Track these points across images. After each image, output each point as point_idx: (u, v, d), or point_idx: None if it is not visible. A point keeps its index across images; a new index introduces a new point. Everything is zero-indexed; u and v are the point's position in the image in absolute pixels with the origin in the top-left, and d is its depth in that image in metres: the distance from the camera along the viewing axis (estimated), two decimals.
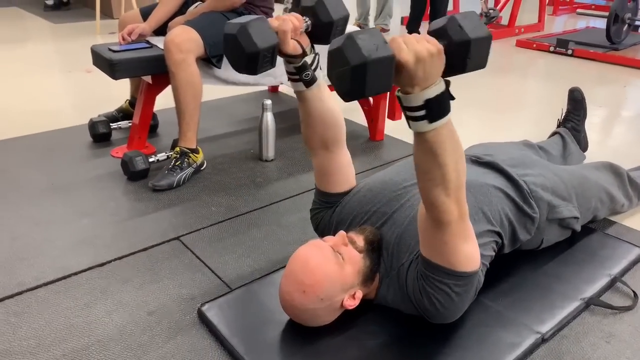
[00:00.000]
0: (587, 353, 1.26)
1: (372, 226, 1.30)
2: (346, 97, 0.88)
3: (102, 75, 2.16)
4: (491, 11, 4.80)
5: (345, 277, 1.17)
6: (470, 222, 1.10)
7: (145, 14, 2.27)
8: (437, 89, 0.91)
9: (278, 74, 2.38)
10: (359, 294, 1.22)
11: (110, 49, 2.09)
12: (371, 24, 5.10)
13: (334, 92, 0.94)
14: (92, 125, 2.41)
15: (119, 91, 2.72)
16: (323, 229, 1.43)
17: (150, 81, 2.17)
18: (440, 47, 0.89)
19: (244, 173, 2.18)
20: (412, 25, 4.39)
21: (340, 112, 1.32)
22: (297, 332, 1.25)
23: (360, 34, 0.84)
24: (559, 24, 5.93)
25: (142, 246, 1.66)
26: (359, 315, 1.26)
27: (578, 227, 1.57)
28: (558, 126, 2.18)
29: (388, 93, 2.45)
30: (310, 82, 1.23)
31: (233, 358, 1.22)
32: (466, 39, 0.88)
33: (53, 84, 3.29)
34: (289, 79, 1.25)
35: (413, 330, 1.26)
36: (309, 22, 1.19)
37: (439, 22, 0.91)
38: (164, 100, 2.29)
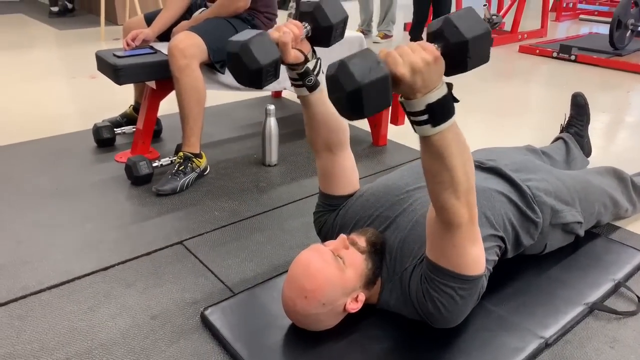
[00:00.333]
0: (591, 358, 1.25)
1: (377, 229, 1.30)
2: (348, 118, 0.90)
3: (107, 80, 2.18)
4: (494, 17, 4.82)
5: (347, 280, 1.17)
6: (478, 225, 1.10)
7: (149, 19, 2.29)
8: (438, 93, 0.91)
9: (281, 79, 2.36)
10: (362, 297, 1.22)
11: (114, 55, 2.11)
12: (374, 31, 5.12)
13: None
14: (96, 130, 2.42)
15: (123, 96, 2.73)
16: (326, 232, 1.44)
17: (154, 86, 2.18)
18: (437, 53, 0.88)
19: (247, 178, 2.19)
20: (415, 31, 4.41)
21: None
22: (300, 336, 1.24)
23: (353, 58, 0.84)
24: (562, 29, 5.93)
25: (146, 250, 1.66)
26: (361, 320, 1.26)
27: (582, 232, 1.57)
28: (561, 131, 2.18)
29: None
30: (313, 87, 1.24)
31: None
32: (463, 40, 0.87)
33: (58, 90, 3.31)
34: (292, 84, 1.25)
35: (416, 335, 1.25)
36: (308, 28, 1.18)
37: (435, 25, 0.91)
38: (168, 105, 2.30)
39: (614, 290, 1.46)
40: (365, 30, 5.04)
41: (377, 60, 0.85)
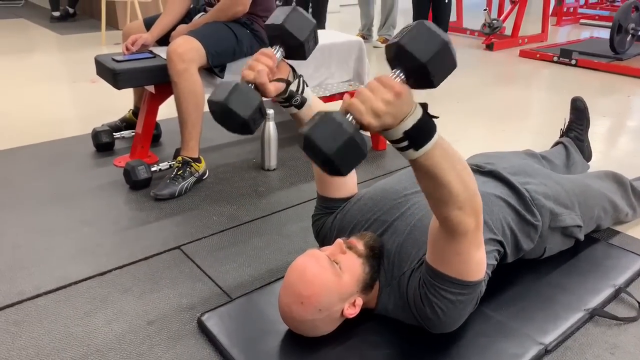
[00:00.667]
0: None
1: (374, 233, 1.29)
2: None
3: (106, 85, 2.17)
4: (494, 22, 4.82)
5: (343, 286, 1.16)
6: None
7: (149, 24, 2.29)
8: (413, 118, 0.88)
9: None
10: (359, 302, 1.21)
11: (113, 59, 2.11)
12: (374, 35, 5.13)
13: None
14: (95, 134, 2.42)
15: (123, 101, 2.73)
16: (324, 235, 1.43)
17: (153, 91, 2.18)
18: (398, 88, 0.85)
19: (246, 182, 2.18)
20: None
21: None
22: (298, 342, 1.23)
23: (315, 128, 0.84)
24: (562, 34, 5.93)
25: (143, 255, 1.65)
26: (359, 325, 1.25)
27: (581, 236, 1.56)
28: (561, 136, 2.17)
29: None
30: (300, 104, 1.20)
31: None
32: (421, 64, 0.84)
33: (58, 94, 3.32)
34: (280, 106, 1.22)
35: (414, 340, 1.24)
36: (281, 50, 1.11)
37: (391, 51, 0.87)
38: (167, 109, 2.30)
39: (615, 296, 1.45)
40: (366, 34, 5.04)
41: (338, 122, 0.83)
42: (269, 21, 1.07)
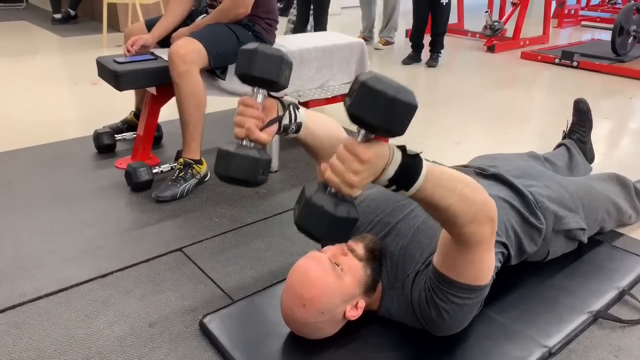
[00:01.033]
0: None
1: (376, 236, 1.29)
2: None
3: (108, 87, 2.17)
4: (496, 23, 4.82)
5: (345, 288, 1.16)
6: None
7: (150, 25, 2.28)
8: (392, 167, 0.88)
9: None
10: (362, 304, 1.20)
11: (115, 61, 2.11)
12: (376, 37, 5.13)
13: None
14: (97, 136, 2.42)
15: (124, 103, 2.73)
16: None
17: (154, 92, 2.18)
18: (365, 157, 0.84)
19: None
20: (415, 38, 4.42)
21: (339, 127, 1.27)
22: (300, 344, 1.23)
23: (302, 218, 0.88)
24: (563, 36, 5.93)
25: (145, 257, 1.65)
26: (362, 328, 1.25)
27: (585, 239, 1.55)
28: (564, 138, 2.17)
29: None
30: (297, 129, 1.17)
31: None
32: (375, 126, 0.83)
33: (59, 96, 3.31)
34: (280, 135, 1.18)
35: (417, 343, 1.24)
36: (261, 91, 1.06)
37: (350, 116, 0.85)
38: (169, 111, 2.30)
39: (618, 298, 1.44)
40: (367, 36, 5.05)
41: (319, 205, 0.86)
42: (237, 70, 1.03)
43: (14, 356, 1.25)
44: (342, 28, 5.85)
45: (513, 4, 5.08)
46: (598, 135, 2.68)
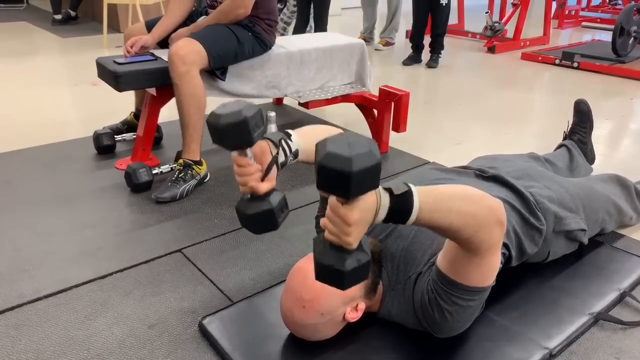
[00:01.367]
0: None
1: (376, 237, 1.28)
2: None
3: (108, 88, 2.17)
4: (496, 24, 4.82)
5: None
6: None
7: (150, 26, 2.28)
8: (382, 212, 0.89)
9: (282, 87, 2.39)
10: (362, 306, 1.20)
11: (115, 62, 2.10)
12: (376, 38, 5.13)
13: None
14: (97, 137, 2.41)
15: (124, 104, 2.73)
16: None
17: (154, 93, 2.18)
18: (351, 220, 0.85)
19: None
20: (415, 38, 4.42)
21: (331, 132, 1.27)
22: (299, 346, 1.23)
23: (317, 273, 0.91)
24: (564, 37, 5.93)
25: (144, 258, 1.64)
26: (362, 329, 1.24)
27: (585, 240, 1.55)
28: (564, 138, 2.16)
29: (392, 104, 2.44)
30: (295, 156, 1.16)
31: None
32: (347, 197, 0.84)
33: (59, 97, 3.31)
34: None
35: (417, 345, 1.23)
36: (247, 150, 1.03)
37: (320, 190, 0.86)
38: (169, 112, 2.29)
39: (619, 299, 1.44)
40: (367, 37, 5.04)
41: (328, 265, 0.88)
42: (213, 141, 1.02)
43: (13, 358, 1.24)
44: (343, 29, 5.85)
45: (513, 4, 5.08)
46: (598, 136, 2.68)
